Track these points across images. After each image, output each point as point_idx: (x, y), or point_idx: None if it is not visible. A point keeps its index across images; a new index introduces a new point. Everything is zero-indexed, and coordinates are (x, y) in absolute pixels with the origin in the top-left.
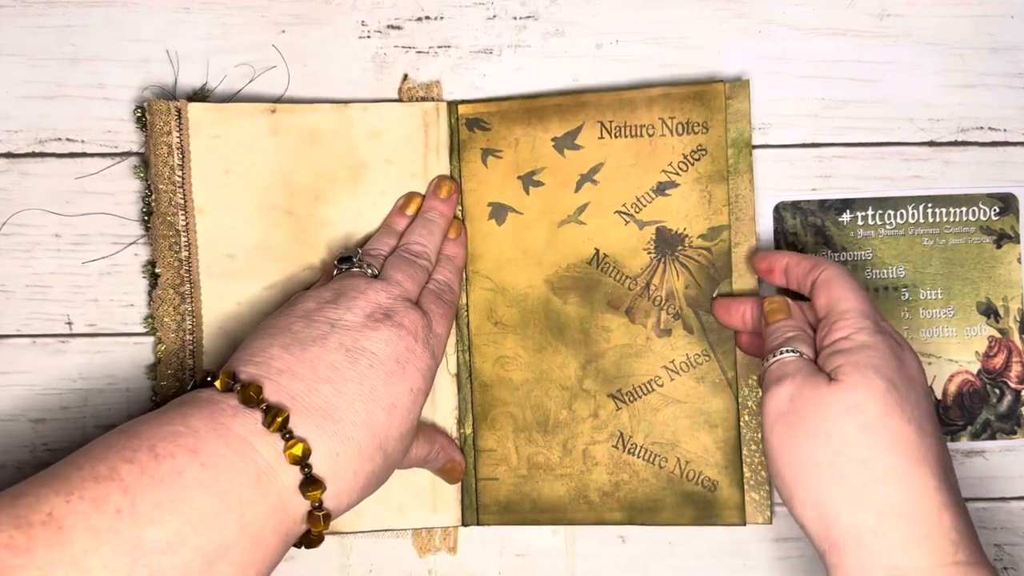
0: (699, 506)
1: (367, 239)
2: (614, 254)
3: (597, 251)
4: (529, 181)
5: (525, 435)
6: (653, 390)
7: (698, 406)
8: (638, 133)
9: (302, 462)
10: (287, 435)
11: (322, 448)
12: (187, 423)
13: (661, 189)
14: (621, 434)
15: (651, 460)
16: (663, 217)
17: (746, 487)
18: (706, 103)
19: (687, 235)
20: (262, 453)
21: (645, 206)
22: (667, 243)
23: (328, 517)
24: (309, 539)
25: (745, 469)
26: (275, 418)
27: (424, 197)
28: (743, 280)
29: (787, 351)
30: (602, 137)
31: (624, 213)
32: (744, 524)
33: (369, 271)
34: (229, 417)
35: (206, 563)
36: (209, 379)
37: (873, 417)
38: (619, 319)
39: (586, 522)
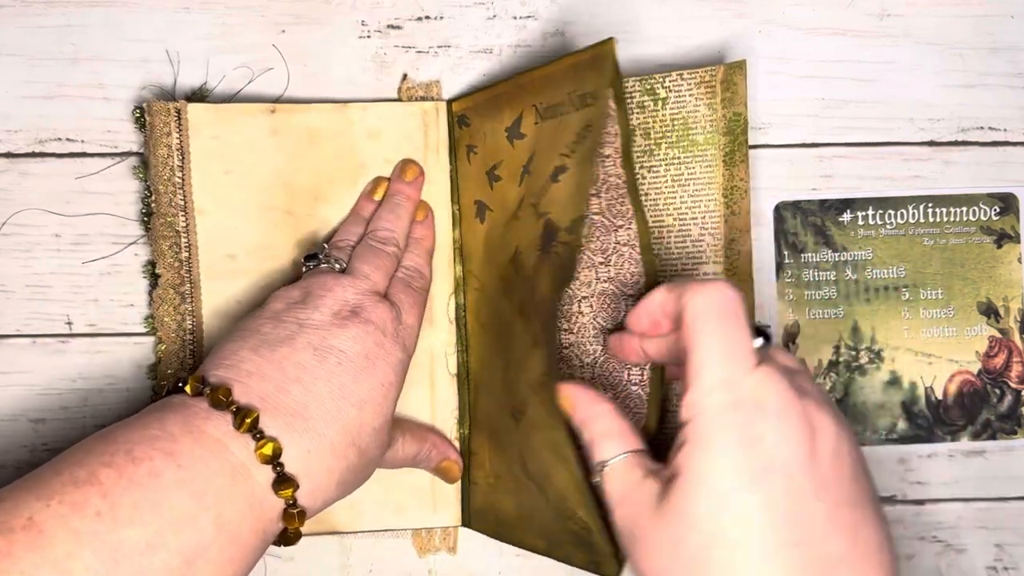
0: (586, 548)
1: (335, 232)
2: (524, 251)
3: (516, 249)
4: (492, 176)
5: (493, 441)
6: (524, 412)
7: (550, 435)
8: (556, 113)
9: (273, 461)
10: (257, 435)
11: (293, 447)
12: (163, 427)
13: (555, 175)
14: (521, 455)
15: (541, 490)
16: (551, 208)
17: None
18: (598, 69)
19: (559, 228)
20: (235, 453)
21: (543, 196)
22: (547, 238)
23: (303, 514)
24: (287, 537)
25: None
26: (244, 419)
27: (388, 181)
28: (743, 280)
29: (602, 464)
30: (537, 122)
31: (533, 204)
32: None
33: (336, 266)
34: (202, 420)
35: (185, 562)
36: (181, 384)
37: (696, 556)
38: (520, 324)
39: (521, 545)
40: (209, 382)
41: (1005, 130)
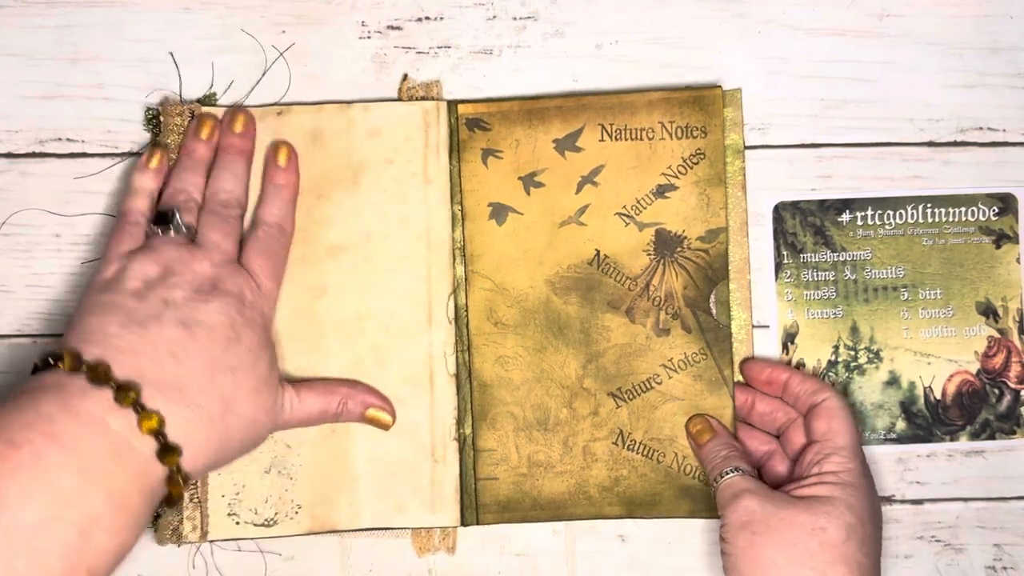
0: (695, 499)
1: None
2: (614, 255)
3: (598, 252)
4: (530, 182)
5: (525, 434)
6: (652, 388)
7: (695, 403)
8: (638, 136)
9: (158, 432)
10: (139, 408)
11: (172, 417)
12: (38, 410)
13: (661, 192)
14: (621, 431)
15: (649, 455)
16: (662, 219)
17: None
18: (704, 108)
19: (686, 237)
20: (115, 429)
21: (645, 208)
22: (666, 245)
23: (187, 479)
24: (171, 499)
25: None
26: (127, 394)
27: (214, 119)
28: (737, 280)
29: (730, 471)
30: (602, 140)
31: (624, 215)
32: None
33: (186, 232)
34: (79, 398)
35: (80, 535)
36: (51, 360)
37: (835, 540)
38: (619, 319)
39: (586, 517)
40: (85, 360)
41: (1004, 130)
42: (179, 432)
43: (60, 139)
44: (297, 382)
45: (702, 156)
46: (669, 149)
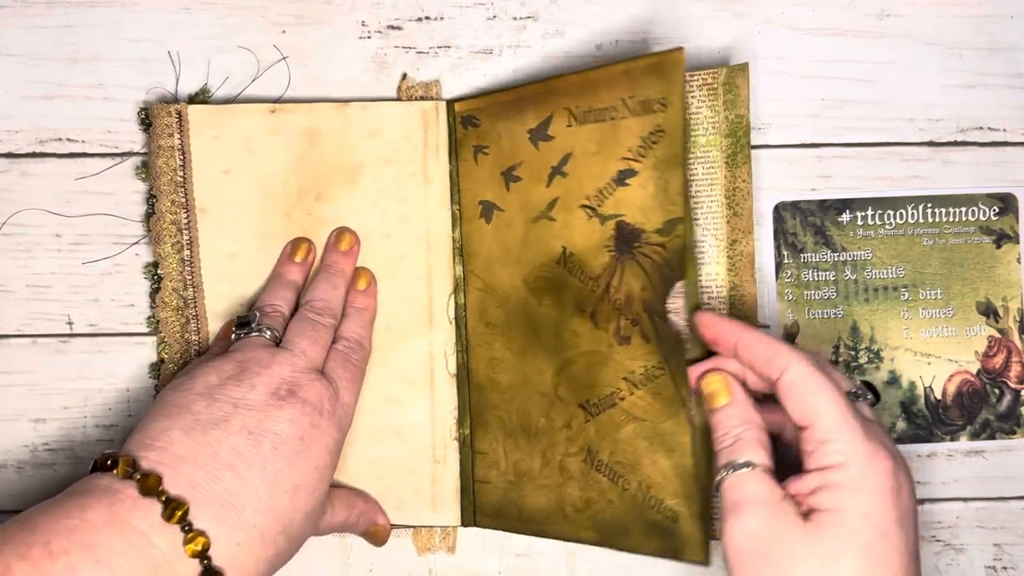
0: (663, 536)
1: (260, 295)
2: (579, 252)
3: (564, 249)
4: (509, 177)
5: (512, 440)
6: (615, 404)
7: (654, 426)
8: (602, 117)
9: (202, 556)
10: (187, 528)
11: (223, 539)
12: (84, 515)
13: (621, 178)
14: (589, 448)
15: (615, 480)
16: (623, 210)
17: (710, 520)
18: (664, 76)
19: (644, 230)
20: (160, 546)
21: (607, 199)
22: (625, 240)
23: None
24: None
25: (703, 501)
26: (175, 511)
27: (309, 242)
28: (743, 276)
29: (741, 465)
30: (570, 125)
31: (588, 207)
32: (707, 564)
33: (269, 334)
34: (128, 509)
35: None
36: (109, 463)
37: (854, 571)
38: (586, 324)
39: (562, 537)
40: (140, 467)
41: (1004, 130)
42: (226, 554)
43: (60, 139)
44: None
45: (662, 134)
46: (628, 128)
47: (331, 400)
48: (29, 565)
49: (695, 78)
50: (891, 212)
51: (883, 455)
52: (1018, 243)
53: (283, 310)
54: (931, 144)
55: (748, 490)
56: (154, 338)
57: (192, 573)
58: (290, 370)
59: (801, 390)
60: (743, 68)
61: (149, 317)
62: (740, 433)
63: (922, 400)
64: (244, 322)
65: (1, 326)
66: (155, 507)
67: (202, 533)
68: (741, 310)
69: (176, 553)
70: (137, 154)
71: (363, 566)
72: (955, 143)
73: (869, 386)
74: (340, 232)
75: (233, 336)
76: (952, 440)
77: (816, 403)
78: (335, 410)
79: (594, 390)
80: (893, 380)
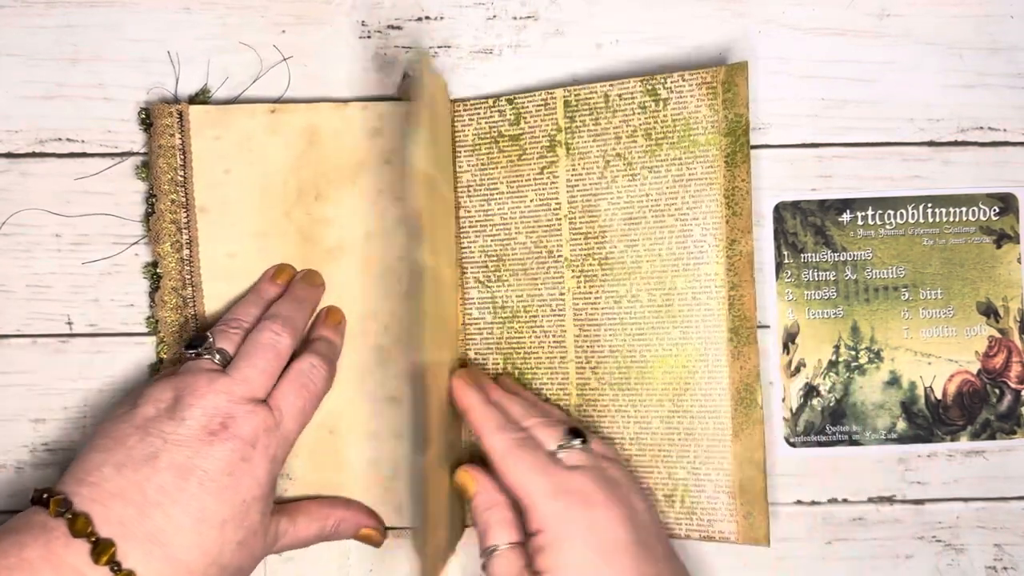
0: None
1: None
2: None
3: None
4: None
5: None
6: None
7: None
8: None
9: None
10: (115, 567)
11: (151, 574)
12: (21, 554)
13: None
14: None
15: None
16: None
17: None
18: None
19: None
20: None
21: None
22: None
23: None
24: None
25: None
26: (102, 553)
27: (292, 268)
28: (742, 277)
29: (491, 549)
30: None
31: None
32: None
33: (218, 358)
34: (62, 547)
35: None
36: (46, 496)
37: None
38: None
39: None
40: (71, 506)
41: (1005, 130)
42: None
43: (60, 139)
44: (293, 505)
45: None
46: None
47: (267, 433)
48: None
49: (694, 77)
50: (891, 212)
51: (576, 504)
52: (1018, 243)
53: (245, 326)
54: (931, 144)
55: (497, 570)
56: (154, 338)
57: None
58: (226, 400)
59: (501, 470)
60: (742, 67)
61: (148, 317)
62: (487, 518)
63: (922, 400)
64: (192, 344)
65: (1, 326)
66: (87, 548)
67: (130, 572)
68: (740, 310)
69: None
70: (137, 154)
71: (363, 566)
72: (955, 143)
73: (575, 432)
74: (309, 273)
75: (185, 354)
76: (952, 440)
77: (513, 479)
78: (270, 443)
79: None
80: (893, 380)
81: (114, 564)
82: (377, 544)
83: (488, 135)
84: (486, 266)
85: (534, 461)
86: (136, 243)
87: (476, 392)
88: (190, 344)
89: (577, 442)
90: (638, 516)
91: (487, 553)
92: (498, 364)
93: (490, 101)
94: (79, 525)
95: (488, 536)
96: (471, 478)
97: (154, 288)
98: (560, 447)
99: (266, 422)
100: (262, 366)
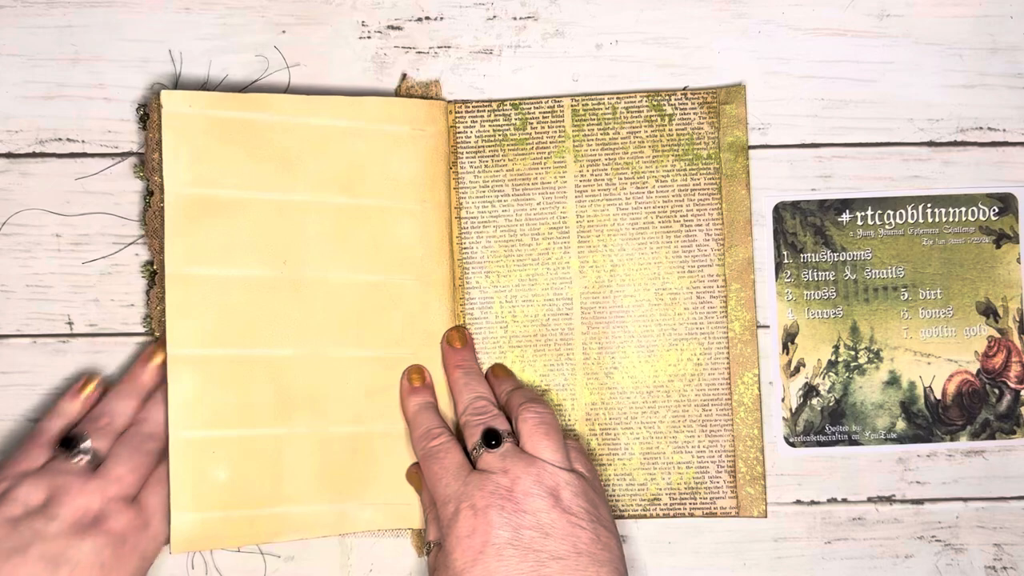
0: None
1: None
2: None
3: None
4: None
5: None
6: None
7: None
8: None
9: None
10: None
11: None
12: None
13: None
14: None
15: None
16: None
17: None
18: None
19: None
20: None
21: None
22: None
23: None
24: None
25: (740, 464)
26: None
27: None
28: (742, 280)
29: (430, 543)
30: None
31: None
32: None
33: (89, 458)
34: None
35: None
36: None
37: None
38: None
39: None
40: None
41: (1004, 130)
42: None
43: (60, 139)
44: None
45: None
46: None
47: (136, 531)
48: None
49: (696, 96)
50: (891, 212)
51: (464, 509)
52: (1018, 243)
53: (118, 425)
54: (931, 144)
55: (431, 562)
56: (152, 339)
57: None
58: (99, 499)
59: (422, 473)
60: (740, 89)
61: (146, 316)
62: (429, 516)
63: (922, 400)
64: (68, 443)
65: (1, 326)
66: None
67: None
68: (740, 311)
69: None
70: (137, 154)
71: (363, 566)
72: (955, 143)
73: (486, 436)
74: (155, 350)
75: (56, 453)
76: (952, 440)
77: (427, 484)
78: (139, 541)
79: None
80: (893, 380)
81: None
82: None
83: (493, 138)
84: (488, 266)
85: (438, 470)
86: (135, 243)
87: (418, 396)
88: (64, 443)
89: (484, 448)
90: (525, 518)
91: (427, 546)
92: (501, 362)
93: (494, 104)
94: None
95: (430, 531)
96: (419, 477)
97: (150, 286)
98: (474, 449)
99: (136, 520)
100: (134, 465)
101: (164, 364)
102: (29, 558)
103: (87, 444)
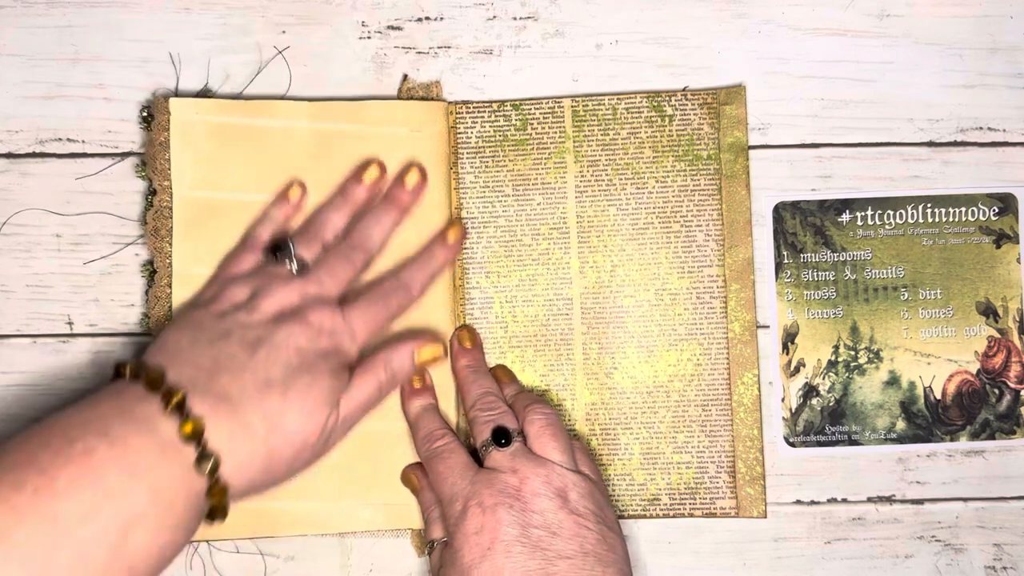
0: None
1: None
2: None
3: None
4: None
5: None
6: None
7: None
8: None
9: (196, 438)
10: (183, 413)
11: (216, 427)
12: (96, 411)
13: None
14: None
15: None
16: None
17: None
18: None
19: None
20: (163, 432)
21: None
22: None
23: (225, 491)
24: (214, 511)
25: (739, 464)
26: (172, 397)
27: (382, 168)
28: (741, 280)
29: (432, 542)
30: None
31: None
32: None
33: (295, 266)
34: (134, 402)
35: (121, 529)
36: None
37: None
38: None
39: None
40: (146, 365)
41: (1004, 130)
42: (222, 443)
43: (60, 139)
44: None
45: None
46: None
47: (334, 328)
48: (51, 451)
49: (696, 97)
50: (891, 212)
51: (472, 507)
52: (1018, 243)
53: (326, 237)
54: (931, 144)
55: (433, 560)
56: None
57: (191, 454)
58: (298, 296)
59: (411, 483)
60: (739, 90)
61: (144, 315)
62: (429, 516)
63: (922, 400)
64: (276, 248)
65: (1, 326)
66: (158, 399)
67: (196, 419)
68: (740, 311)
69: (177, 436)
70: (137, 154)
71: (363, 566)
72: (955, 143)
73: (496, 435)
74: (409, 167)
75: (264, 259)
76: (952, 440)
77: (433, 484)
78: (338, 338)
79: None
80: (893, 380)
81: (183, 411)
82: (441, 355)
83: (493, 138)
84: (488, 266)
85: (443, 470)
86: (135, 242)
87: (420, 398)
88: (272, 248)
89: (494, 446)
90: (533, 517)
91: (429, 545)
92: (501, 362)
93: (494, 105)
94: (152, 376)
95: (429, 531)
96: (416, 478)
97: (150, 285)
98: (482, 446)
99: (334, 316)
100: (338, 274)
101: (377, 183)
102: (232, 342)
103: (293, 251)
